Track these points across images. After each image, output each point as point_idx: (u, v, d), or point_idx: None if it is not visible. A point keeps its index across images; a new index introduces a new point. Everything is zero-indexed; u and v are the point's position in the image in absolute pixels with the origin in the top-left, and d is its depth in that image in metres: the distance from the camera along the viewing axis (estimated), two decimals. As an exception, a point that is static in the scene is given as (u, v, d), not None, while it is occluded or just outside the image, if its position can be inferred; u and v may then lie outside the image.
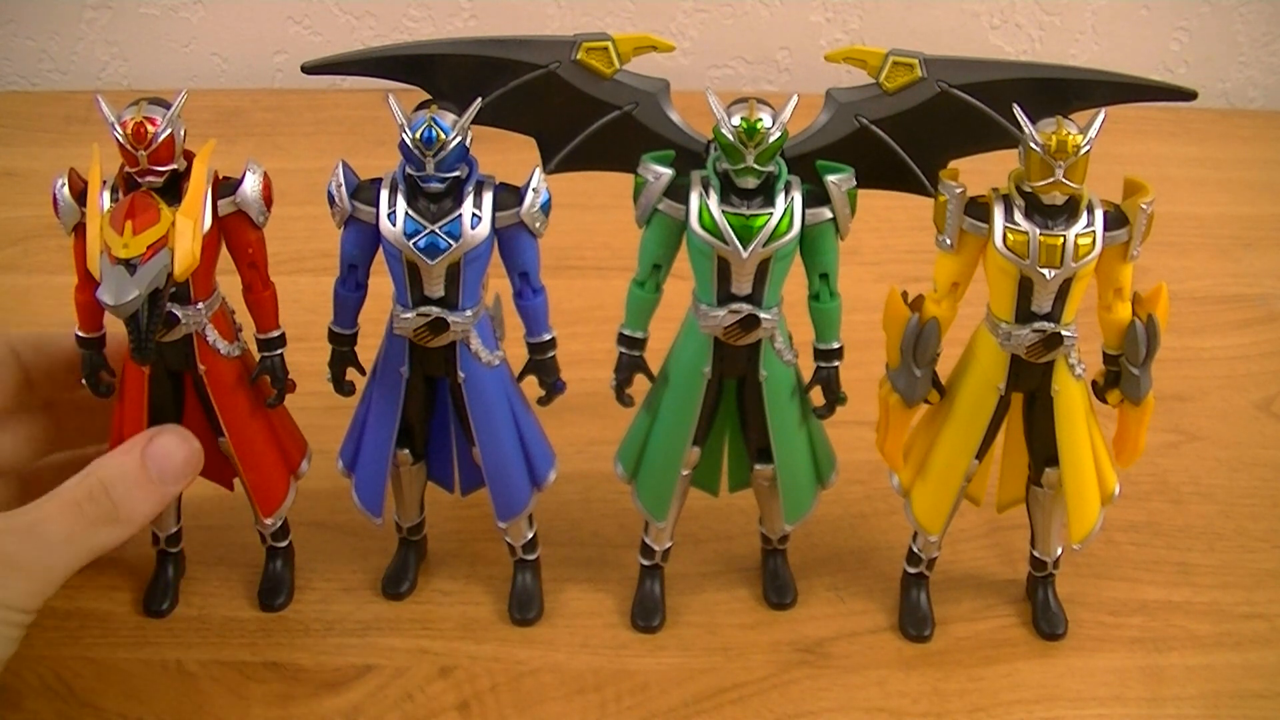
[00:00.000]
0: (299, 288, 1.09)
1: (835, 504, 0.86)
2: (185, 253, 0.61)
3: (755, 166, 0.66)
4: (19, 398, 0.74)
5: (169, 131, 0.64)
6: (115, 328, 0.67)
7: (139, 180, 0.64)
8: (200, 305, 0.68)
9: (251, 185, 0.69)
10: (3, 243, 1.15)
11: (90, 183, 0.63)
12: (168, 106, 0.65)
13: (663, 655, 0.76)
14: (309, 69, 0.73)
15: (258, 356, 0.72)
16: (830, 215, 0.69)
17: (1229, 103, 1.51)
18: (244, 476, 0.74)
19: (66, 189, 0.66)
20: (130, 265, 0.59)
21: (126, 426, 0.70)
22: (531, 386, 0.74)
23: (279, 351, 0.72)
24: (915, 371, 0.70)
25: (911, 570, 0.79)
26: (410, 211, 0.67)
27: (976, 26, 1.47)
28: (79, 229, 0.65)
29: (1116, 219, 0.67)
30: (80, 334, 0.71)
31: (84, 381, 0.72)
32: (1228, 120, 1.45)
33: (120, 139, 0.63)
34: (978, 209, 0.68)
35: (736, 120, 0.65)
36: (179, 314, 0.67)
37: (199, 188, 0.65)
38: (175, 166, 0.66)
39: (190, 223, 0.62)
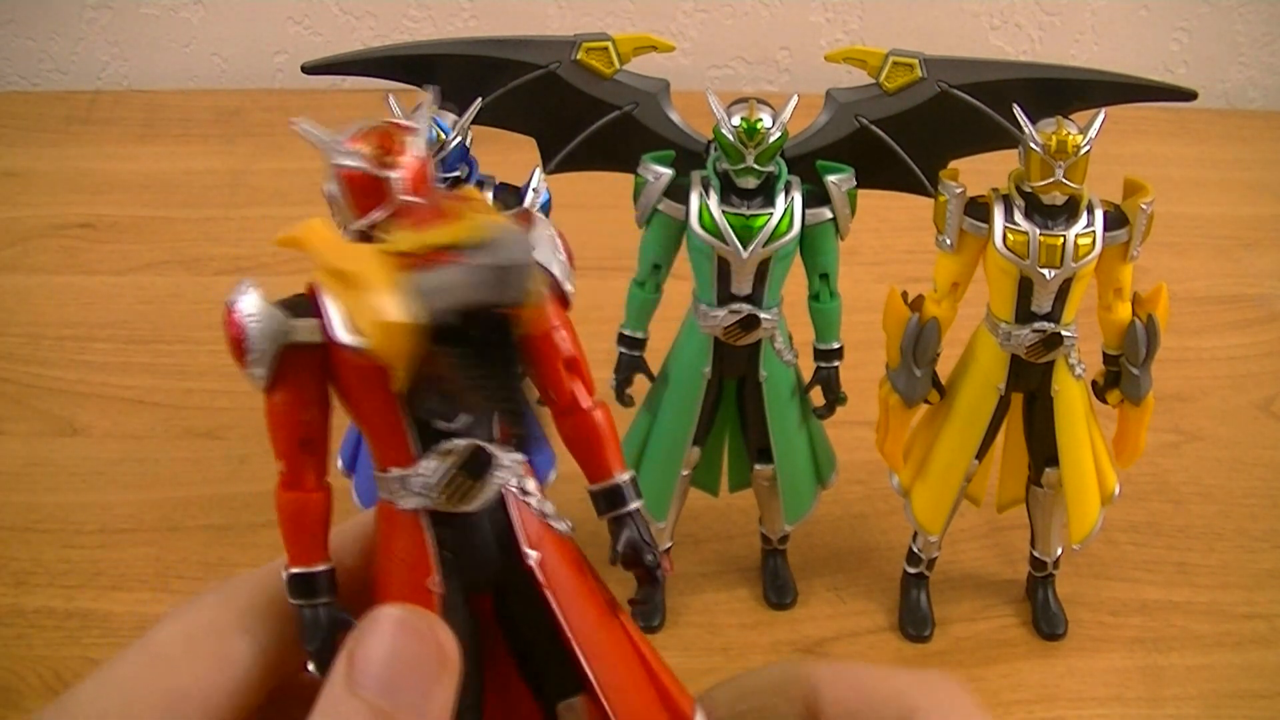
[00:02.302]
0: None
1: (835, 504, 0.86)
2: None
3: (755, 167, 0.66)
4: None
5: None
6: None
7: None
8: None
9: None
10: (3, 243, 1.15)
11: None
12: None
13: (663, 655, 0.76)
14: (309, 69, 0.73)
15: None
16: (830, 215, 0.69)
17: (1229, 103, 1.51)
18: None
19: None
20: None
21: None
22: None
23: (629, 511, 0.40)
24: (915, 371, 0.70)
25: (911, 570, 0.79)
26: (410, 211, 0.67)
27: (976, 26, 1.47)
28: None
29: (1116, 219, 0.67)
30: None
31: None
32: (1228, 120, 1.45)
33: None
34: (978, 209, 0.68)
35: (736, 120, 0.65)
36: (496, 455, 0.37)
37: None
38: None
39: None
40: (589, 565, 0.39)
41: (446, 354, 0.33)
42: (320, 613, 0.36)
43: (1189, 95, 0.72)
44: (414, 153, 0.37)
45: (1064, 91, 0.71)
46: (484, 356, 0.33)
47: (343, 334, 0.34)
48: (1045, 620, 0.78)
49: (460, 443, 0.36)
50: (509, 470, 0.37)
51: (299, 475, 0.36)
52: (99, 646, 0.75)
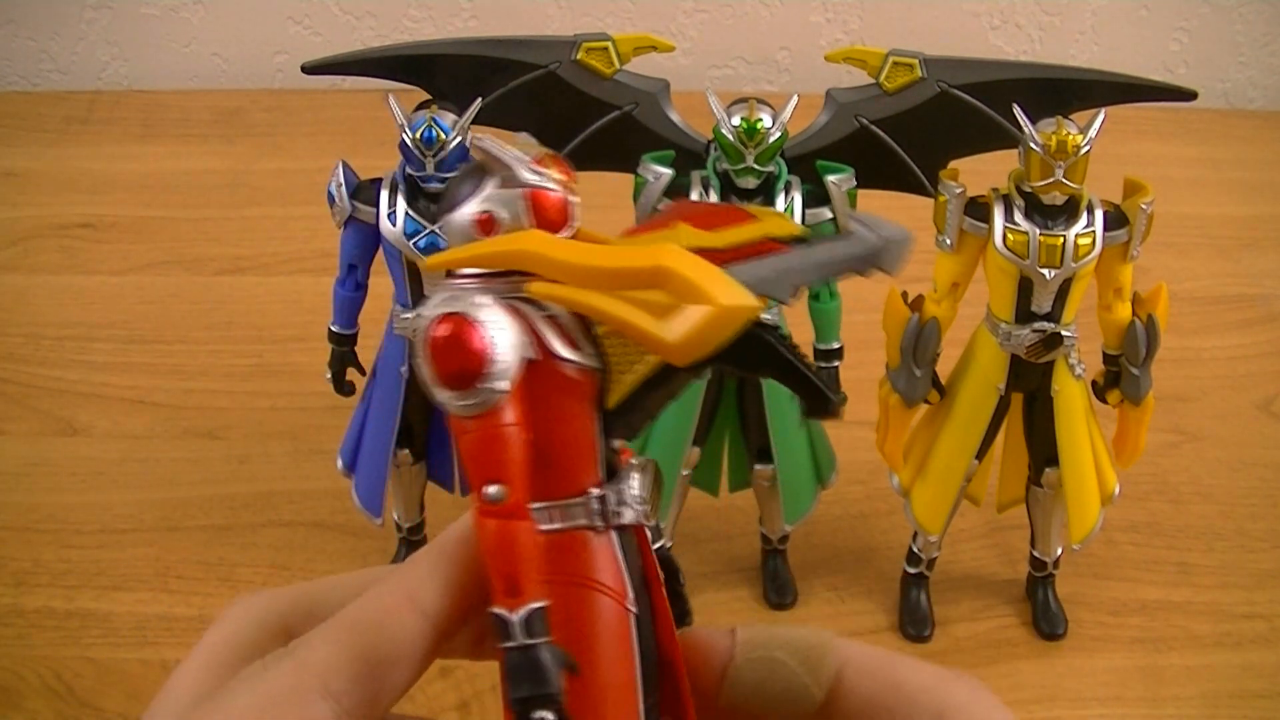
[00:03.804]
0: (299, 288, 1.10)
1: (835, 504, 0.86)
2: None
3: (755, 167, 0.66)
4: None
5: None
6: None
7: None
8: None
9: None
10: (3, 243, 1.15)
11: None
12: None
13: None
14: (309, 69, 0.73)
15: None
16: (830, 215, 0.69)
17: (1229, 103, 1.51)
18: None
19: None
20: None
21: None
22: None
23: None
24: (915, 371, 0.70)
25: (911, 570, 0.79)
26: (410, 211, 0.67)
27: (976, 26, 1.47)
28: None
29: (1116, 219, 0.67)
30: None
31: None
32: (1228, 120, 1.45)
33: None
34: (978, 209, 0.68)
35: (736, 120, 0.65)
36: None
37: None
38: None
39: None
40: None
41: (766, 337, 0.34)
42: (545, 652, 0.33)
43: (1189, 95, 0.72)
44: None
45: (1064, 91, 0.71)
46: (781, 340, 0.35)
47: (563, 349, 0.34)
48: (1045, 620, 0.78)
49: (644, 458, 0.36)
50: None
51: (523, 502, 0.33)
52: (99, 646, 0.75)
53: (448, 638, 0.35)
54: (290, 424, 0.93)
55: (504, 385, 0.33)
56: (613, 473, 0.36)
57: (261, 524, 0.84)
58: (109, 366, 0.99)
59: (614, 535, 0.36)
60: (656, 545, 0.39)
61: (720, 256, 0.33)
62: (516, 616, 0.33)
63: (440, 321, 0.33)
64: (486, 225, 0.36)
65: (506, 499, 0.33)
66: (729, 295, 0.31)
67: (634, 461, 0.36)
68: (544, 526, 0.35)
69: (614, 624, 0.35)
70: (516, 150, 0.37)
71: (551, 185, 0.36)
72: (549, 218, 0.36)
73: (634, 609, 0.35)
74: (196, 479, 0.88)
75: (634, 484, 0.36)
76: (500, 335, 0.33)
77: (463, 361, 0.33)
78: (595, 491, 0.35)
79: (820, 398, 0.34)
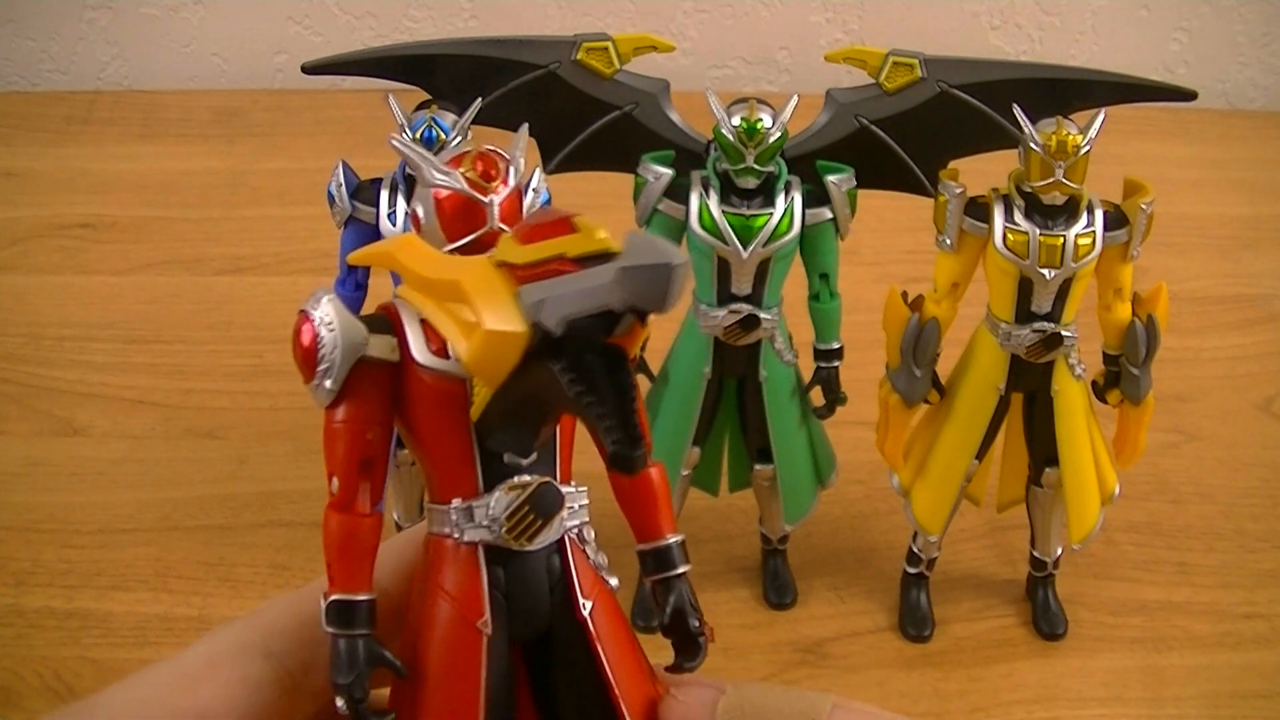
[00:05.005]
0: (299, 288, 1.10)
1: (835, 504, 0.86)
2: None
3: (755, 167, 0.66)
4: None
5: None
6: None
7: None
8: (573, 486, 0.37)
9: None
10: (3, 243, 1.15)
11: None
12: None
13: (663, 655, 0.76)
14: (309, 69, 0.73)
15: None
16: (830, 215, 0.69)
17: (1229, 103, 1.51)
18: None
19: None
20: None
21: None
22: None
23: (678, 574, 0.40)
24: (915, 371, 0.70)
25: (911, 570, 0.79)
26: (410, 211, 0.67)
27: (976, 26, 1.47)
28: None
29: (1116, 219, 0.67)
30: None
31: None
32: (1228, 120, 1.45)
33: None
34: (978, 209, 0.68)
35: (736, 120, 0.65)
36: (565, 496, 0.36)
37: None
38: None
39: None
40: (628, 623, 0.38)
41: (551, 368, 0.30)
42: (357, 645, 0.34)
43: (1189, 95, 0.72)
44: (511, 181, 0.36)
45: (1064, 91, 0.71)
46: (595, 371, 0.31)
47: (422, 355, 0.34)
48: (1045, 620, 0.78)
49: (532, 478, 0.35)
50: (576, 514, 0.36)
51: (353, 497, 0.35)
52: (99, 646, 0.75)
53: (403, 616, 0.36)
54: (290, 424, 0.93)
55: (329, 383, 0.34)
56: (491, 486, 0.35)
57: (261, 524, 0.84)
58: (109, 366, 0.99)
59: (480, 550, 0.35)
60: (674, 570, 0.38)
61: (520, 274, 0.31)
62: (324, 604, 0.34)
63: (297, 318, 0.35)
64: (415, 222, 0.37)
65: (337, 493, 0.35)
66: (495, 318, 0.30)
67: (515, 481, 0.35)
68: (430, 528, 0.36)
69: (455, 638, 0.35)
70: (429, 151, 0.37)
71: (456, 185, 0.36)
72: (452, 217, 0.36)
73: (485, 631, 0.35)
74: (196, 479, 0.88)
75: (493, 503, 0.35)
76: (330, 334, 0.34)
77: (299, 355, 0.35)
78: (456, 503, 0.35)
79: (616, 447, 0.31)
